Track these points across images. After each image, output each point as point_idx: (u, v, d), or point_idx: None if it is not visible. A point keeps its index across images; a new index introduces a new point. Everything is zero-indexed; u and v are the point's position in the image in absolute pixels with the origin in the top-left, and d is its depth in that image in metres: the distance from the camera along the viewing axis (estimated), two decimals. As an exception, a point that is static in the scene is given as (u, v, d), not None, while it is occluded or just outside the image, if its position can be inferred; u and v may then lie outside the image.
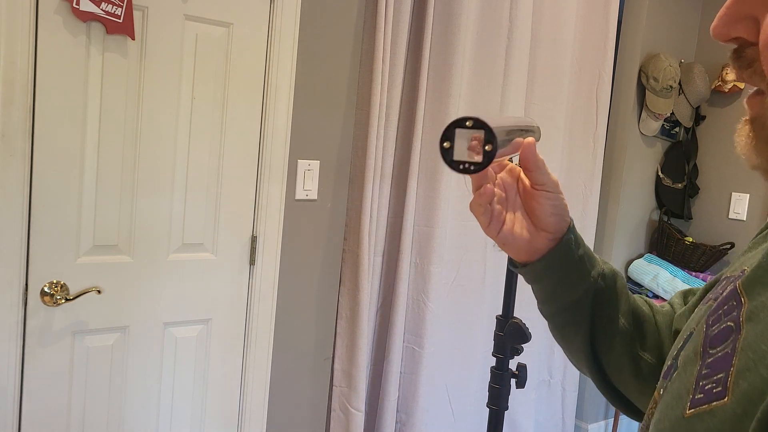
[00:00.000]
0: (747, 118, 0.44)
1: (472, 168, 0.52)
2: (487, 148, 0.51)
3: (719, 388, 0.40)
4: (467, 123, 0.51)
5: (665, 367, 0.52)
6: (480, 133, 0.51)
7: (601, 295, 0.69)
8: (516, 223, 0.67)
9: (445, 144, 0.53)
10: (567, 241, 0.67)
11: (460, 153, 0.52)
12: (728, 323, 0.43)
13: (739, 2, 0.42)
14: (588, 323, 0.69)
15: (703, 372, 0.42)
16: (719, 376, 0.40)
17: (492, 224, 0.66)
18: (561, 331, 0.72)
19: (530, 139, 0.62)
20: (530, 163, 0.63)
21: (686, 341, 0.49)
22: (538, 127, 0.75)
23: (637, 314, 0.71)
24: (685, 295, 0.75)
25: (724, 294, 0.47)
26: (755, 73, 0.42)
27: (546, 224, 0.66)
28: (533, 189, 0.65)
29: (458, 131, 0.52)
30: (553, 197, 0.65)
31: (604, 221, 3.04)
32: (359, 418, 2.20)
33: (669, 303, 0.76)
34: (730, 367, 0.40)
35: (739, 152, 0.44)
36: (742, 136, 0.44)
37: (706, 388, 0.41)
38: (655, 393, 0.51)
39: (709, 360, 0.43)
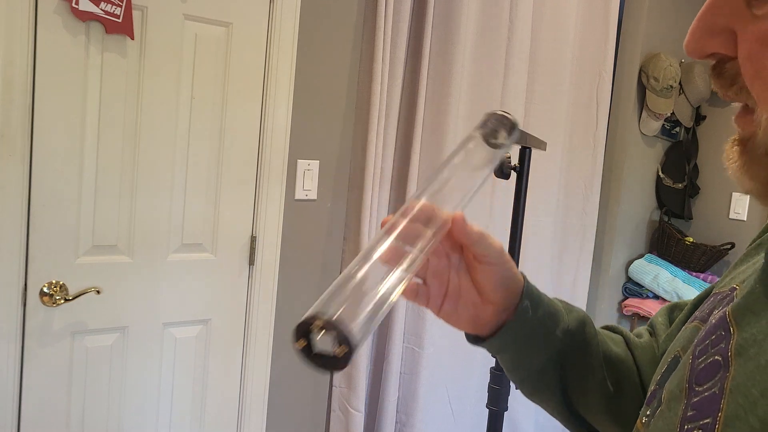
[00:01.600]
0: (736, 137, 0.40)
1: (330, 365, 0.43)
2: (338, 352, 0.41)
3: None
4: (316, 323, 0.41)
5: (648, 392, 0.48)
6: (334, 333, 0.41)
7: (570, 353, 0.61)
8: (461, 297, 0.58)
9: (298, 343, 0.43)
10: (522, 311, 0.58)
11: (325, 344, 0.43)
12: (716, 357, 0.39)
13: (712, 14, 0.38)
14: (559, 384, 0.63)
15: (689, 414, 0.39)
16: (706, 421, 0.37)
17: (431, 302, 0.57)
18: (533, 396, 0.66)
19: (458, 213, 0.53)
20: (464, 240, 0.54)
21: (670, 367, 0.46)
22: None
23: (611, 361, 0.64)
24: (671, 310, 0.69)
25: (713, 321, 0.42)
26: (741, 90, 0.38)
27: (492, 298, 0.57)
28: (474, 260, 0.56)
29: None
30: (498, 270, 0.56)
31: (605, 221, 3.03)
32: (359, 419, 2.20)
33: (650, 325, 0.70)
34: (718, 412, 0.36)
35: (731, 176, 0.40)
36: (731, 158, 0.40)
37: None
38: (638, 421, 0.47)
39: (695, 399, 0.39)
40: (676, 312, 0.69)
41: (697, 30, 0.38)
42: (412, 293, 0.57)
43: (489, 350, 0.62)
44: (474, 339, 0.63)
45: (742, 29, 0.37)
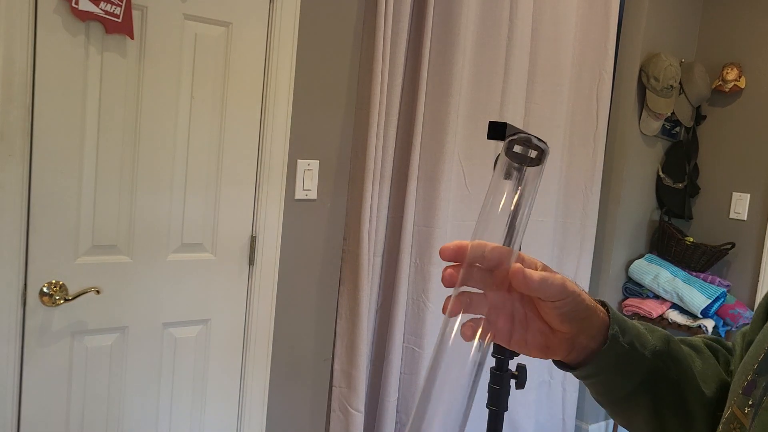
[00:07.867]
0: None
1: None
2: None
3: None
4: None
5: (745, 382, 0.47)
6: None
7: (659, 372, 0.61)
8: (528, 327, 0.56)
9: None
10: (613, 338, 0.56)
11: None
12: None
13: None
14: (651, 404, 0.62)
15: None
16: None
17: (499, 336, 0.54)
18: (621, 416, 0.64)
19: (515, 267, 0.51)
20: (526, 291, 0.52)
21: (766, 358, 0.45)
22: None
23: (692, 373, 0.63)
24: (744, 334, 0.68)
25: None
26: None
27: (561, 328, 0.55)
28: (538, 300, 0.54)
29: None
30: (564, 304, 0.53)
31: (605, 221, 3.03)
32: (359, 419, 2.20)
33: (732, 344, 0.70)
34: None
35: None
36: None
37: None
38: (736, 410, 0.46)
39: None
40: (748, 336, 0.68)
41: None
42: (472, 332, 0.52)
43: (578, 376, 0.61)
44: (561, 364, 0.61)
45: None
